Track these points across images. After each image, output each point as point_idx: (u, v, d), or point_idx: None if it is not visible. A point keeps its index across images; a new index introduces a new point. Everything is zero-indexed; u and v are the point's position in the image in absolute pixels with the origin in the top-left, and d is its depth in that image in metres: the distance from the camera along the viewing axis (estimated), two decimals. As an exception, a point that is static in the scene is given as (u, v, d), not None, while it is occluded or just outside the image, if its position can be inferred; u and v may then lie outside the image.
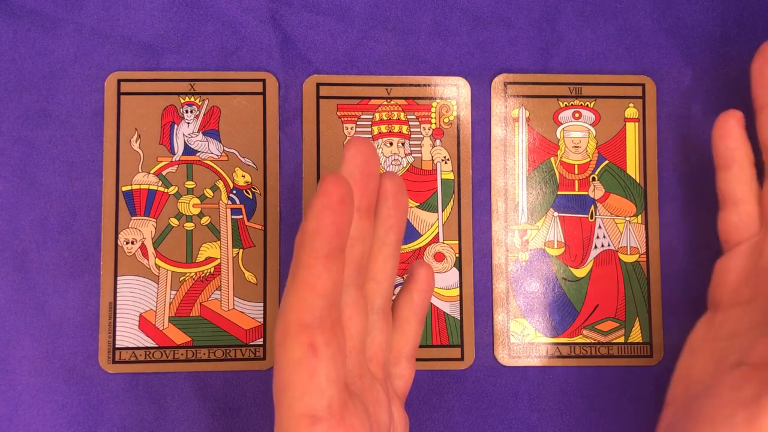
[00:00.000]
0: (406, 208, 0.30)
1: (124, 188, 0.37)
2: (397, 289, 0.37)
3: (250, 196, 0.37)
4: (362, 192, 0.27)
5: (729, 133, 0.34)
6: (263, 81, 0.38)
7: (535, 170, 0.38)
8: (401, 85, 0.38)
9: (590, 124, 0.39)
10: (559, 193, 0.38)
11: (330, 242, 0.24)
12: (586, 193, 0.38)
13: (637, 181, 0.38)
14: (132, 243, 0.37)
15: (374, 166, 0.27)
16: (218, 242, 0.37)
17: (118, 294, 0.37)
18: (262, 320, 0.37)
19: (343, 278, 0.26)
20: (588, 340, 0.38)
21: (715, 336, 0.33)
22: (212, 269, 0.37)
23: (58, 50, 0.37)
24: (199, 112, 0.38)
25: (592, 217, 0.38)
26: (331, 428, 0.25)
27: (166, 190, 0.37)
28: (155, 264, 0.37)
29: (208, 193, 0.37)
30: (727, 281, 0.34)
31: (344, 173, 0.26)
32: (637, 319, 0.38)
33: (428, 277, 0.32)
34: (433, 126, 0.38)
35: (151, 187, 0.37)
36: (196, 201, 0.37)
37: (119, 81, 0.37)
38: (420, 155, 0.38)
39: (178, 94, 0.38)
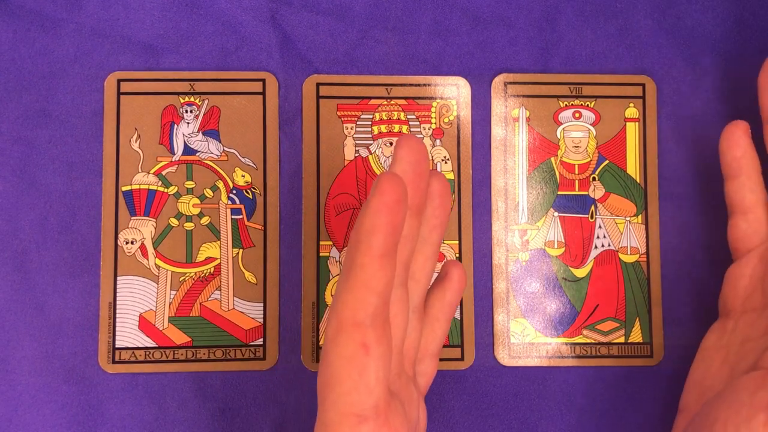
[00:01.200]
0: (449, 209, 0.30)
1: (124, 188, 0.37)
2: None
3: (250, 196, 0.37)
4: (414, 191, 0.26)
5: (736, 143, 0.34)
6: (263, 81, 0.38)
7: (535, 170, 0.38)
8: (401, 85, 0.38)
9: (590, 124, 0.39)
10: (559, 193, 0.38)
11: (386, 241, 0.24)
12: (586, 193, 0.38)
13: (637, 181, 0.38)
14: (132, 243, 0.37)
15: (426, 164, 0.26)
16: (218, 242, 0.37)
17: (117, 294, 0.37)
18: (262, 320, 0.37)
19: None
20: (588, 340, 0.37)
21: (728, 342, 0.33)
22: (212, 269, 0.37)
23: (58, 50, 0.37)
24: (199, 112, 0.38)
25: (592, 217, 0.38)
26: (377, 428, 0.25)
27: (165, 190, 0.37)
28: (155, 264, 0.37)
29: (208, 193, 0.37)
30: (738, 288, 0.34)
31: (397, 171, 0.26)
32: (637, 319, 0.38)
33: (461, 278, 0.32)
34: (433, 126, 0.38)
35: (151, 187, 0.37)
36: (196, 201, 0.37)
37: (119, 81, 0.37)
38: (420, 155, 0.38)
39: (178, 94, 0.38)
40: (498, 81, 0.38)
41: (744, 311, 0.34)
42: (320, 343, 0.37)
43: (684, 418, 0.33)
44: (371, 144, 0.38)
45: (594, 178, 0.38)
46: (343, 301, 0.24)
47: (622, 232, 0.38)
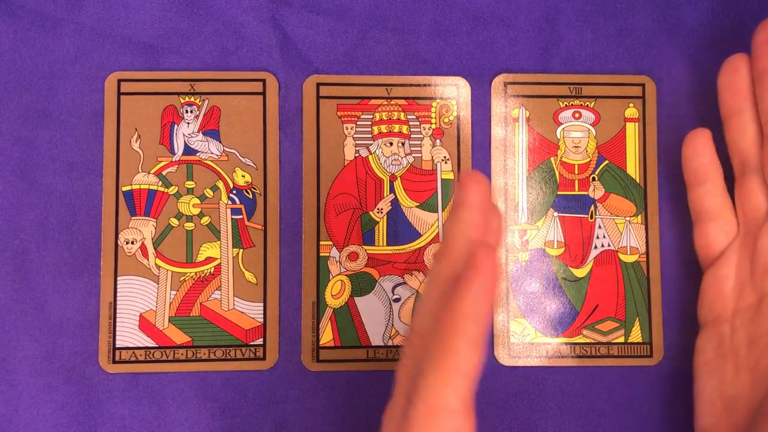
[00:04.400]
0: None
1: (124, 188, 0.37)
2: (399, 289, 0.37)
3: (250, 196, 0.37)
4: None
5: (702, 151, 0.35)
6: (263, 81, 0.38)
7: (535, 170, 0.38)
8: (401, 85, 0.38)
9: (590, 124, 0.39)
10: (559, 193, 0.38)
11: (484, 325, 0.23)
12: (586, 193, 0.38)
13: (637, 181, 0.38)
14: (132, 243, 0.37)
15: (490, 203, 0.25)
16: (218, 242, 0.37)
17: (118, 294, 0.37)
18: (262, 320, 0.37)
19: None
20: (588, 340, 0.37)
21: (732, 347, 0.33)
22: (212, 269, 0.37)
23: (58, 50, 0.37)
24: (199, 112, 0.38)
25: (592, 217, 0.38)
26: None
27: (166, 190, 0.37)
28: (155, 264, 0.37)
29: (208, 193, 0.37)
30: (725, 291, 0.34)
31: (465, 218, 0.25)
32: (637, 319, 0.38)
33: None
34: (433, 126, 0.38)
35: (151, 187, 0.37)
36: (196, 201, 0.37)
37: (119, 81, 0.37)
38: (420, 155, 0.38)
39: (178, 94, 0.38)
40: (498, 81, 0.38)
41: (737, 312, 0.33)
42: (320, 343, 0.37)
43: None
44: (371, 144, 0.38)
45: (594, 178, 0.38)
46: (432, 386, 0.23)
47: (622, 232, 0.38)
